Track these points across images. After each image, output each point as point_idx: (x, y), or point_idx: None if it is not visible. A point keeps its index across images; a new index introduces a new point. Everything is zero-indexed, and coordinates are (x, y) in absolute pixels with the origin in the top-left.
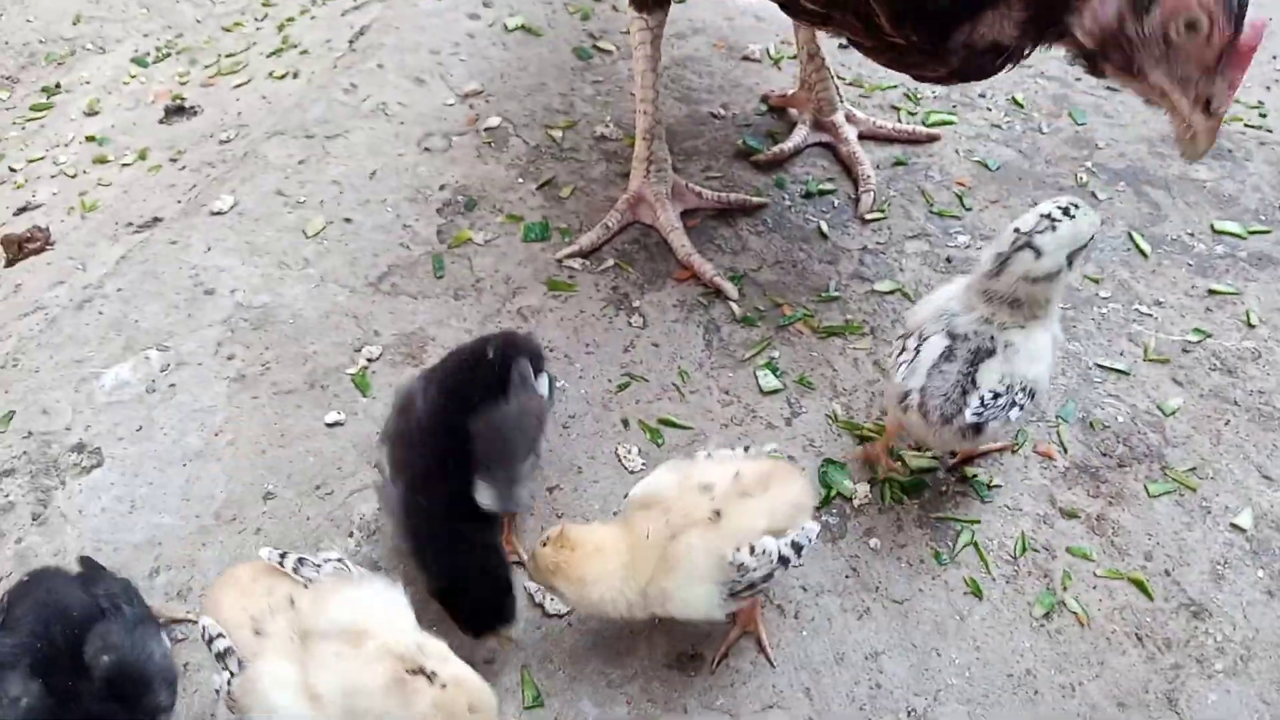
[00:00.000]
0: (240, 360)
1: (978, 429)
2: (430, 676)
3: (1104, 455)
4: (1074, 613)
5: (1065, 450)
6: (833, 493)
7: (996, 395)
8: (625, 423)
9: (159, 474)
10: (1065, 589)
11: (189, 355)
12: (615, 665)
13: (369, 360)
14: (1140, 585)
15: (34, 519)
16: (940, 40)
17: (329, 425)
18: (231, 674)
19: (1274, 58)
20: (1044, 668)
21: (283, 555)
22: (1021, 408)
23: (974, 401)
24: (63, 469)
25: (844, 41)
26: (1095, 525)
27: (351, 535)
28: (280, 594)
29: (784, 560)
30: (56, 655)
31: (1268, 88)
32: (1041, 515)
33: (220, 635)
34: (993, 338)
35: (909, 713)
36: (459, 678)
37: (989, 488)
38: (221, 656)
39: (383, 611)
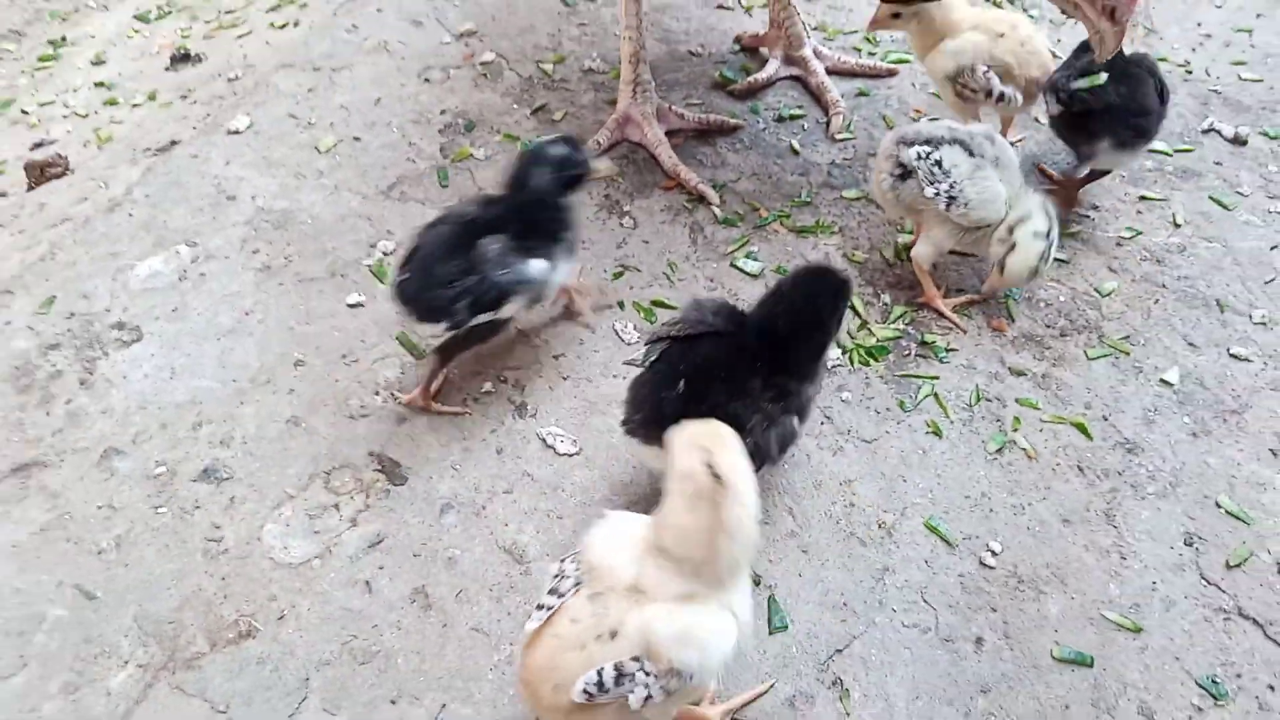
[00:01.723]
0: (264, 255)
1: None
2: None
3: (1048, 327)
4: (1023, 449)
5: (1013, 322)
6: None
7: None
8: (621, 304)
9: (195, 346)
10: (1015, 430)
11: (216, 250)
12: (620, 493)
13: (384, 254)
14: (1081, 428)
15: (81, 384)
16: None
17: (350, 306)
18: None
19: (1198, 25)
20: (997, 491)
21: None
22: None
23: None
24: (105, 343)
25: None
26: (1041, 381)
27: (378, 394)
28: None
29: None
30: None
31: (1193, 49)
32: (993, 373)
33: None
34: None
35: (879, 524)
36: None
37: (946, 350)
38: None
39: None
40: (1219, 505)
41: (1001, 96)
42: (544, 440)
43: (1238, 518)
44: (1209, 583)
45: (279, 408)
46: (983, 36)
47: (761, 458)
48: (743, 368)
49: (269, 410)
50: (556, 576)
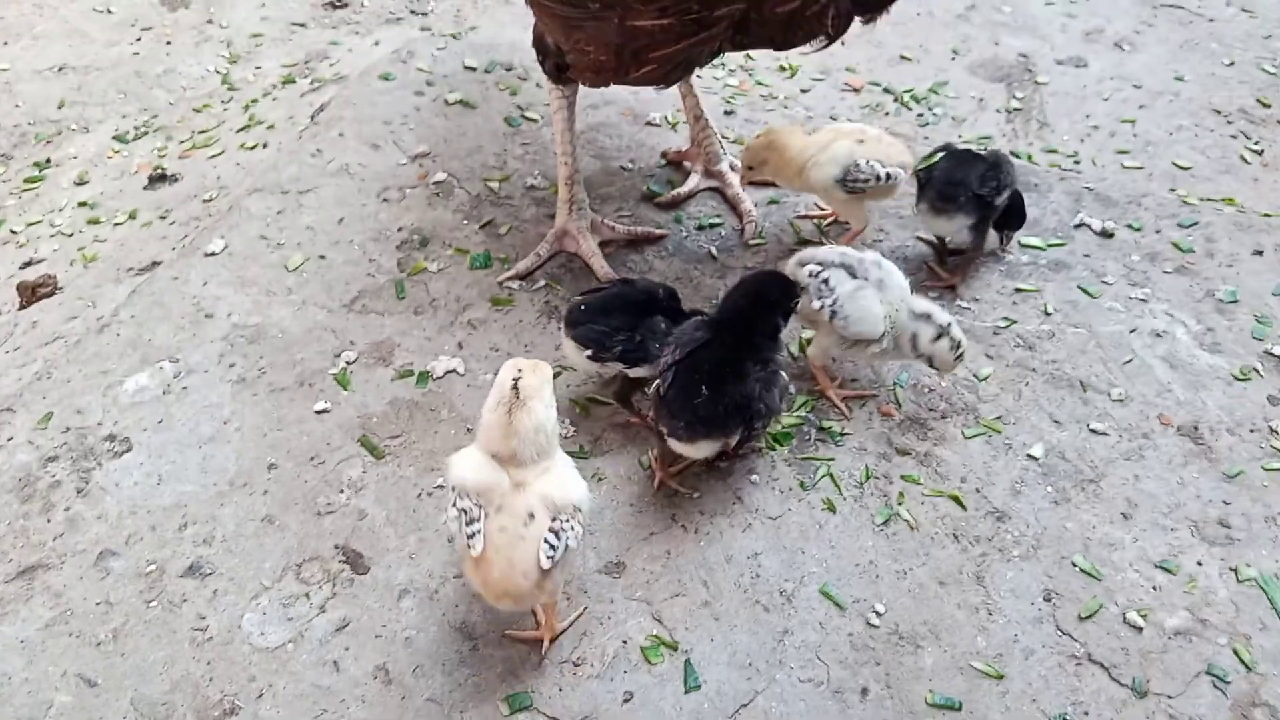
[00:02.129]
0: (240, 367)
1: None
2: None
3: (930, 410)
4: (906, 520)
5: (900, 407)
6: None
7: None
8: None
9: (180, 454)
10: (900, 504)
11: (196, 365)
12: None
13: (347, 362)
14: (957, 499)
15: (78, 492)
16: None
17: (318, 412)
18: None
19: (1087, 117)
20: (883, 558)
21: None
22: None
23: None
24: (99, 454)
25: (727, 109)
26: (923, 459)
27: (342, 492)
28: None
29: None
30: None
31: (1081, 140)
32: (882, 453)
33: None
34: None
35: (780, 593)
36: None
37: (842, 434)
38: None
39: None
40: (1074, 564)
41: (889, 176)
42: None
43: (1090, 575)
44: (1063, 633)
45: (255, 507)
46: (848, 141)
47: (773, 411)
48: (733, 357)
49: (246, 510)
50: (463, 513)
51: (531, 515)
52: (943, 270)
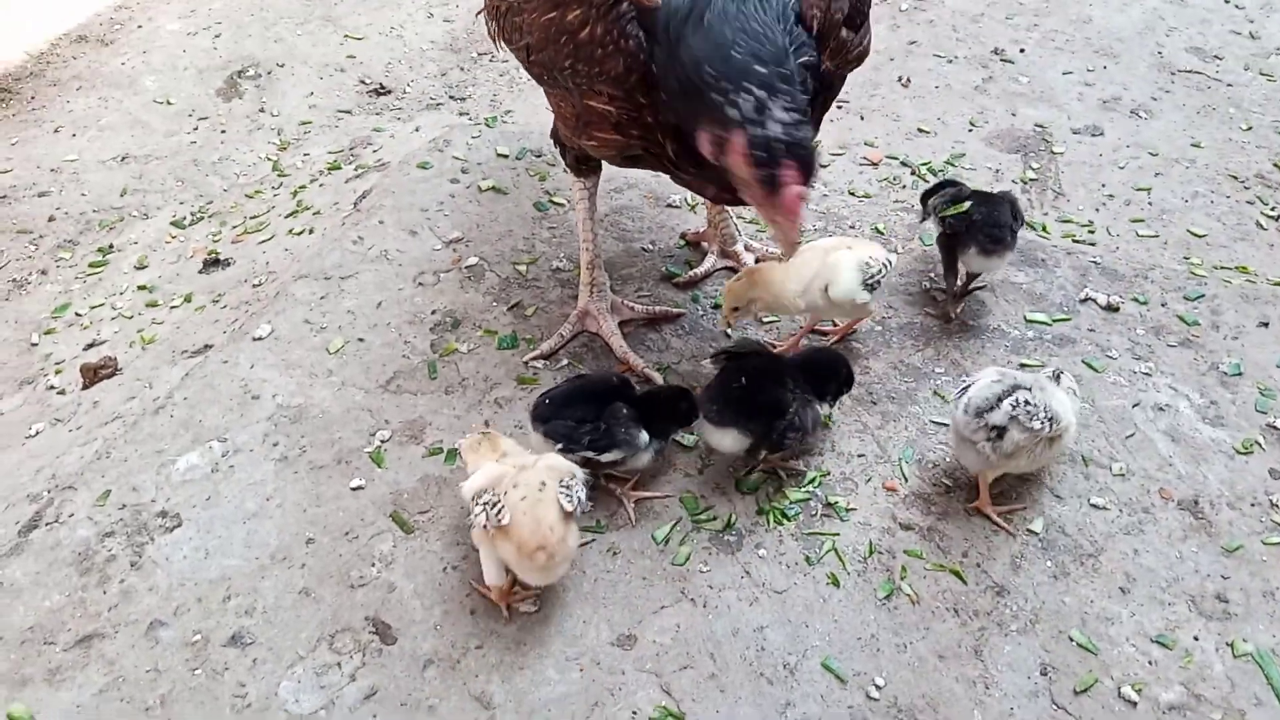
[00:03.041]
0: (282, 446)
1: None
2: None
3: (934, 485)
4: (908, 595)
5: (906, 482)
6: (732, 518)
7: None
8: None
9: (225, 530)
10: (902, 578)
11: (243, 444)
12: (571, 645)
13: (382, 441)
14: (958, 574)
15: (132, 566)
16: (702, 165)
17: (353, 489)
18: None
19: (1102, 186)
20: (884, 632)
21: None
22: None
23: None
24: (151, 530)
25: None
26: (926, 534)
27: (373, 565)
28: None
29: None
30: None
31: (1096, 209)
32: (886, 528)
33: None
34: None
35: (784, 665)
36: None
37: (848, 511)
38: None
39: None
40: (1071, 638)
41: (890, 263)
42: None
43: (1087, 649)
44: (1059, 707)
45: (293, 580)
46: (844, 251)
47: (800, 429)
48: (781, 373)
49: (285, 583)
50: (487, 504)
51: (543, 485)
52: (955, 309)
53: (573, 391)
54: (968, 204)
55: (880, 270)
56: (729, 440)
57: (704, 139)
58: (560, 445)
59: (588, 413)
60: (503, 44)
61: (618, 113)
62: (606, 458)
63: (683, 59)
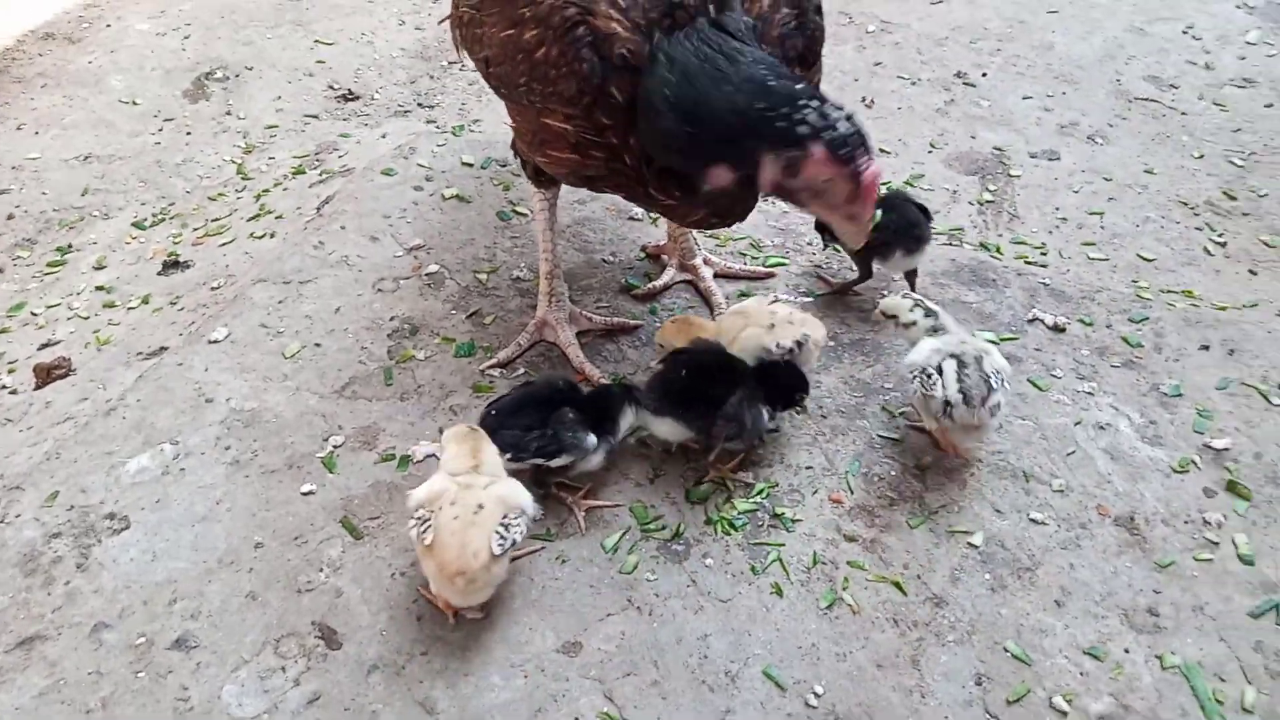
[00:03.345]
0: (235, 450)
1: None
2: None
3: (879, 498)
4: (849, 605)
5: (851, 494)
6: (680, 527)
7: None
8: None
9: (174, 533)
10: (844, 589)
11: (194, 447)
12: (516, 651)
13: (335, 446)
14: (898, 585)
15: (78, 568)
16: (693, 193)
17: (304, 494)
18: None
19: (1056, 209)
20: (825, 642)
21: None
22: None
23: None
24: (99, 531)
25: None
26: (869, 545)
27: (321, 570)
28: None
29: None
30: None
31: (1050, 231)
32: (830, 539)
33: None
34: None
35: (726, 673)
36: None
37: (793, 522)
38: None
39: None
40: (1006, 649)
41: (799, 345)
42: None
43: (1021, 660)
44: (991, 716)
45: (240, 584)
46: (757, 329)
47: (741, 421)
48: (732, 373)
49: (232, 587)
50: (419, 519)
51: (481, 507)
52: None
53: (520, 399)
54: (879, 214)
55: (783, 356)
56: (665, 428)
57: (770, 168)
58: (509, 455)
59: (534, 420)
60: (464, 53)
61: (576, 132)
62: (556, 463)
63: (718, 109)
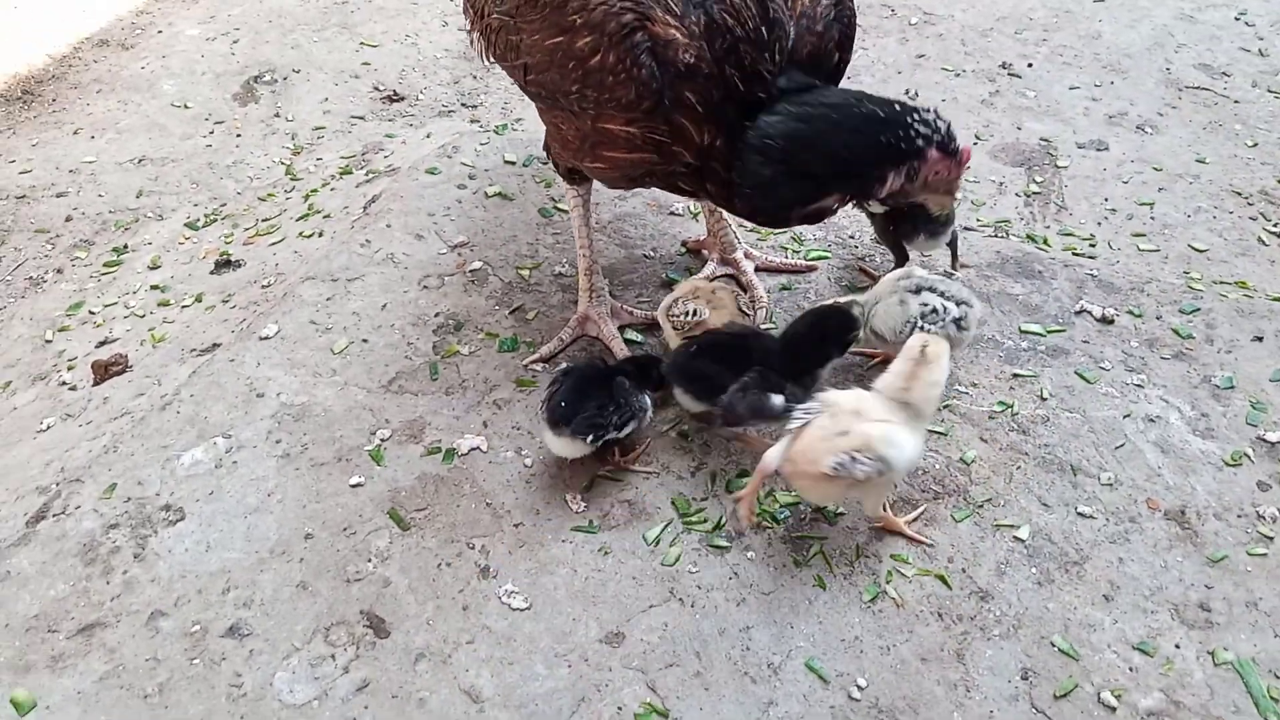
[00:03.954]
0: (285, 444)
1: None
2: None
3: (923, 491)
4: (892, 598)
5: (895, 488)
6: (722, 520)
7: None
8: (575, 479)
9: (227, 524)
10: (888, 582)
11: (246, 441)
12: (560, 641)
13: (382, 440)
14: (943, 579)
15: (135, 557)
16: (778, 223)
17: (352, 486)
18: None
19: (1105, 200)
20: (868, 634)
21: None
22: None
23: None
24: (155, 523)
25: None
26: (912, 539)
27: (370, 560)
28: None
29: None
30: None
31: (1098, 223)
32: (873, 533)
33: None
34: None
35: (768, 665)
36: None
37: (835, 514)
38: None
39: None
40: (1053, 644)
41: (695, 311)
42: (500, 599)
43: (1068, 654)
44: (1038, 710)
45: (291, 574)
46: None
47: (732, 415)
48: (739, 357)
49: (283, 576)
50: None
51: (844, 433)
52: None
53: (578, 383)
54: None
55: (679, 315)
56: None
57: (893, 181)
58: (591, 437)
59: (604, 398)
60: (491, 59)
61: (643, 134)
62: (627, 431)
63: (847, 154)
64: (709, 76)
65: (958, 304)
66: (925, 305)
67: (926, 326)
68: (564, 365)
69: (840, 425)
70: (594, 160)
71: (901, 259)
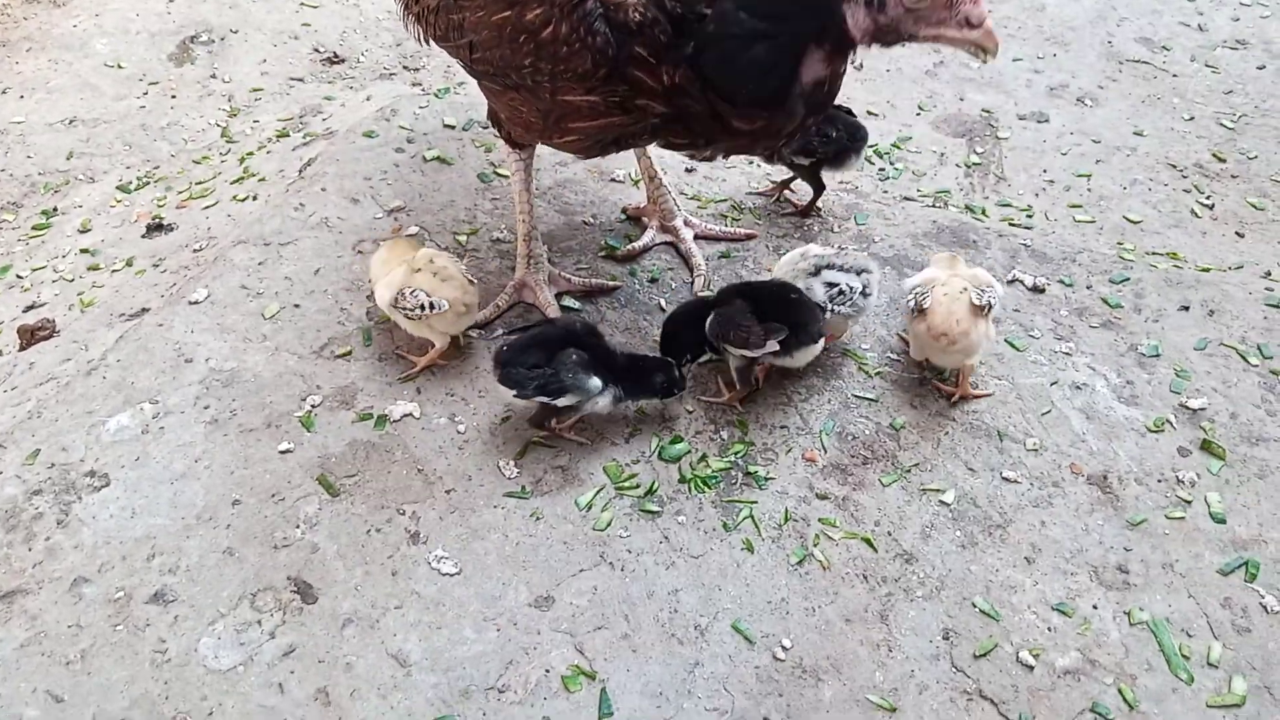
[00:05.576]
0: (213, 409)
1: None
2: None
3: (852, 456)
4: (819, 561)
5: (825, 453)
6: (654, 485)
7: None
8: (509, 445)
9: (153, 490)
10: (815, 545)
11: (174, 406)
12: (489, 605)
13: (312, 406)
14: (869, 542)
15: (58, 524)
16: (782, 103)
17: (281, 452)
18: None
19: (1044, 171)
20: (795, 597)
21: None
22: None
23: None
24: (79, 489)
25: (688, 166)
26: (841, 503)
27: (298, 527)
28: None
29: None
30: None
31: (1036, 194)
32: (802, 497)
33: None
34: None
35: (696, 627)
36: None
37: (766, 480)
38: None
39: None
40: (975, 605)
41: (433, 306)
42: (430, 564)
43: (989, 615)
44: (958, 669)
45: (218, 540)
46: (404, 269)
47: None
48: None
49: (210, 543)
50: (916, 291)
51: (962, 290)
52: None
53: (531, 338)
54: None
55: (412, 308)
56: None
57: (857, 13)
58: (514, 391)
59: (540, 358)
60: (430, 41)
61: (604, 99)
62: (561, 402)
63: None
64: (654, 22)
65: (858, 274)
66: (832, 286)
67: (838, 309)
68: (579, 320)
69: (954, 285)
70: (562, 135)
71: (819, 188)
